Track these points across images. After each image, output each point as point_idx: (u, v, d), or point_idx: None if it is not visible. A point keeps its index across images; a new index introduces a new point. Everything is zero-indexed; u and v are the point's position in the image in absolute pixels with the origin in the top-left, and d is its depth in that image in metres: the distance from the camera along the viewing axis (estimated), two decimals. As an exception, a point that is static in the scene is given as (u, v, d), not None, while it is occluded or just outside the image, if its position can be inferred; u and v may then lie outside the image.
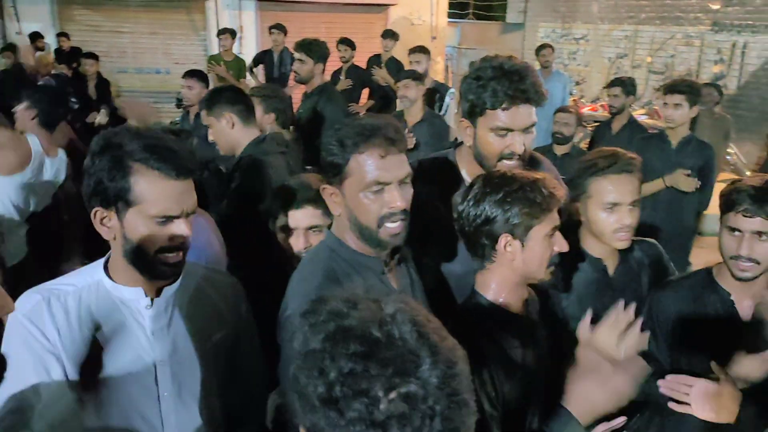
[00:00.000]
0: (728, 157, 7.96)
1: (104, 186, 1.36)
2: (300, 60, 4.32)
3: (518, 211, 1.55)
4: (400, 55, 6.96)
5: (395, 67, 6.65)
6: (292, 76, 5.13)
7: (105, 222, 1.40)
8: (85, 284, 1.45)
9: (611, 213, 1.93)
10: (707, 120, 5.48)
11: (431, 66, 6.58)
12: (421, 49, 5.85)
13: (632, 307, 1.62)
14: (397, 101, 5.09)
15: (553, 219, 1.60)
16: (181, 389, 1.50)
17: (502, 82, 1.82)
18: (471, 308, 1.65)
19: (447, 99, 5.82)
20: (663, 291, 2.02)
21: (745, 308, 1.90)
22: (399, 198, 1.54)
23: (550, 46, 7.45)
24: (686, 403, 1.72)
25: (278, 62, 7.50)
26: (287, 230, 2.05)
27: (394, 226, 1.56)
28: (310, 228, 2.02)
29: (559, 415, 1.47)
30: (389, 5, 10.49)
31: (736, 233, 1.81)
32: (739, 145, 8.13)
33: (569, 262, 1.97)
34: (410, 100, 4.57)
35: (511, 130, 1.86)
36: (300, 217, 2.03)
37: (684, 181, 3.89)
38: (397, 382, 0.77)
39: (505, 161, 1.88)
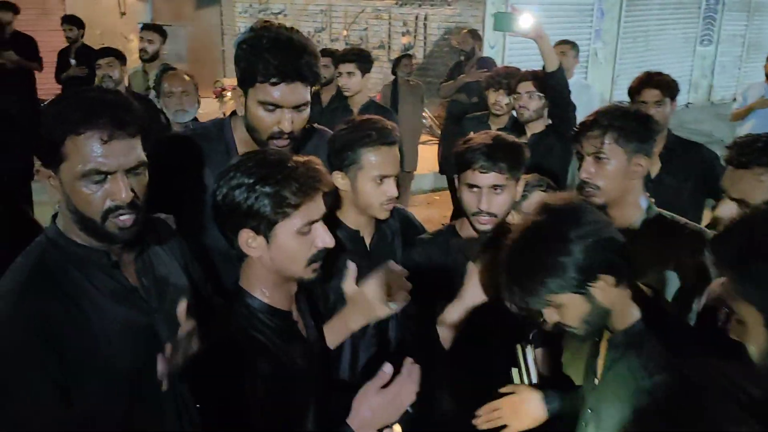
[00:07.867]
0: (424, 120, 8.82)
1: None
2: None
3: (262, 204, 1.37)
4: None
5: None
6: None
7: None
8: None
9: (380, 185, 1.90)
10: (405, 87, 5.89)
11: (125, 45, 6.11)
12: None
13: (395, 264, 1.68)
14: None
15: (310, 212, 1.41)
16: None
17: (277, 55, 1.69)
18: (238, 309, 1.47)
19: None
20: (413, 248, 2.08)
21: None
22: (124, 189, 1.32)
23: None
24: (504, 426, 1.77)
25: None
26: None
27: (123, 219, 1.34)
28: None
29: None
30: (65, -23, 9.39)
31: (475, 189, 1.92)
32: (430, 109, 9.02)
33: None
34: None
35: (281, 107, 1.75)
36: None
37: None
38: None
39: (274, 141, 1.77)
